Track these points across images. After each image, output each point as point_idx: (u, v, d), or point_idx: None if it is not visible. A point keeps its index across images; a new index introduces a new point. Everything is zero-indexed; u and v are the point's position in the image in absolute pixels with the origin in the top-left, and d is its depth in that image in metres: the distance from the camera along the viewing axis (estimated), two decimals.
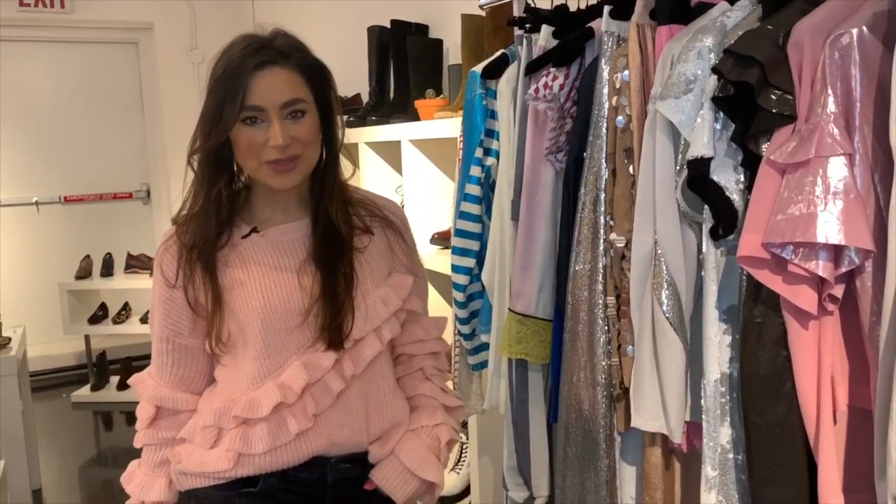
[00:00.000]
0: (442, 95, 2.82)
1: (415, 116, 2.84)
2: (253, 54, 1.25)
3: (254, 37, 1.29)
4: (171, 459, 1.37)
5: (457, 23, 3.03)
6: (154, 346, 1.38)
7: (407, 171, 2.64)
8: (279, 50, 1.27)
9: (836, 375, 1.20)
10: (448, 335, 1.81)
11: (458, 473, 2.60)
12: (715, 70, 1.20)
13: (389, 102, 3.19)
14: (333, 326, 1.31)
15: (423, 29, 3.19)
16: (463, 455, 2.62)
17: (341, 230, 1.35)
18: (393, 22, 3.15)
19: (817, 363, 1.20)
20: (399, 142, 2.72)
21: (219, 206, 1.32)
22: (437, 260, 2.51)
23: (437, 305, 2.47)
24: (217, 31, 5.34)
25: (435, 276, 2.41)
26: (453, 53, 3.09)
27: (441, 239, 2.53)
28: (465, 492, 2.61)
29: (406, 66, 3.04)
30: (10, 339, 3.25)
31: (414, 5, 3.32)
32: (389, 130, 2.78)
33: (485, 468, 2.36)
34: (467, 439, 2.64)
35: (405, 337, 1.46)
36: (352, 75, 3.53)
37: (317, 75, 1.31)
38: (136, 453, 1.42)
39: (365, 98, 3.48)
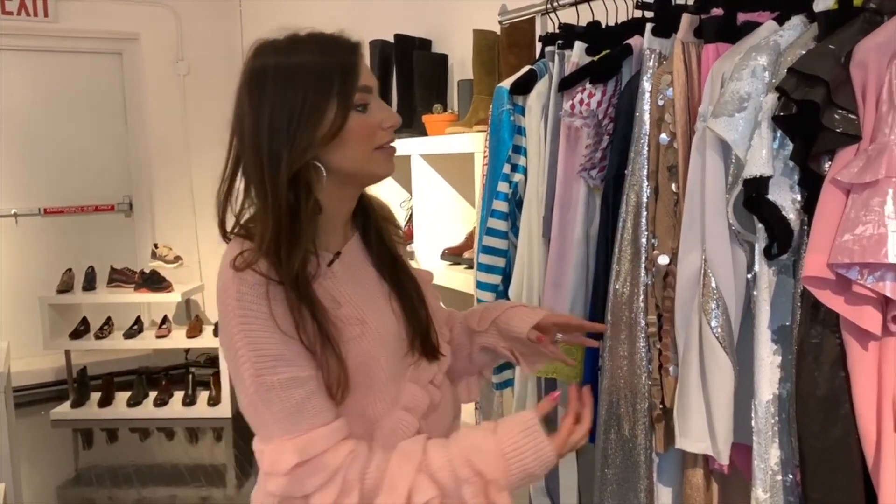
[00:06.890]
0: (450, 110, 2.80)
1: (421, 131, 2.81)
2: (344, 42, 1.13)
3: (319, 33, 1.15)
4: None
5: (460, 38, 3.02)
6: (293, 400, 1.07)
7: (417, 187, 2.60)
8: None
9: None
10: None
11: None
12: (779, 88, 1.19)
13: None
14: (427, 339, 1.22)
15: (426, 44, 3.17)
16: None
17: (386, 240, 1.27)
18: (397, 36, 3.13)
19: (878, 385, 1.19)
20: (406, 156, 2.69)
21: (309, 229, 1.12)
22: (447, 276, 2.47)
23: None
24: (203, 42, 5.29)
25: (445, 291, 2.38)
26: (458, 69, 3.07)
27: (452, 255, 2.49)
28: None
29: (411, 81, 3.01)
30: None
31: (415, 20, 3.31)
32: (399, 145, 2.74)
33: None
34: None
35: None
36: None
37: None
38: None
39: None
